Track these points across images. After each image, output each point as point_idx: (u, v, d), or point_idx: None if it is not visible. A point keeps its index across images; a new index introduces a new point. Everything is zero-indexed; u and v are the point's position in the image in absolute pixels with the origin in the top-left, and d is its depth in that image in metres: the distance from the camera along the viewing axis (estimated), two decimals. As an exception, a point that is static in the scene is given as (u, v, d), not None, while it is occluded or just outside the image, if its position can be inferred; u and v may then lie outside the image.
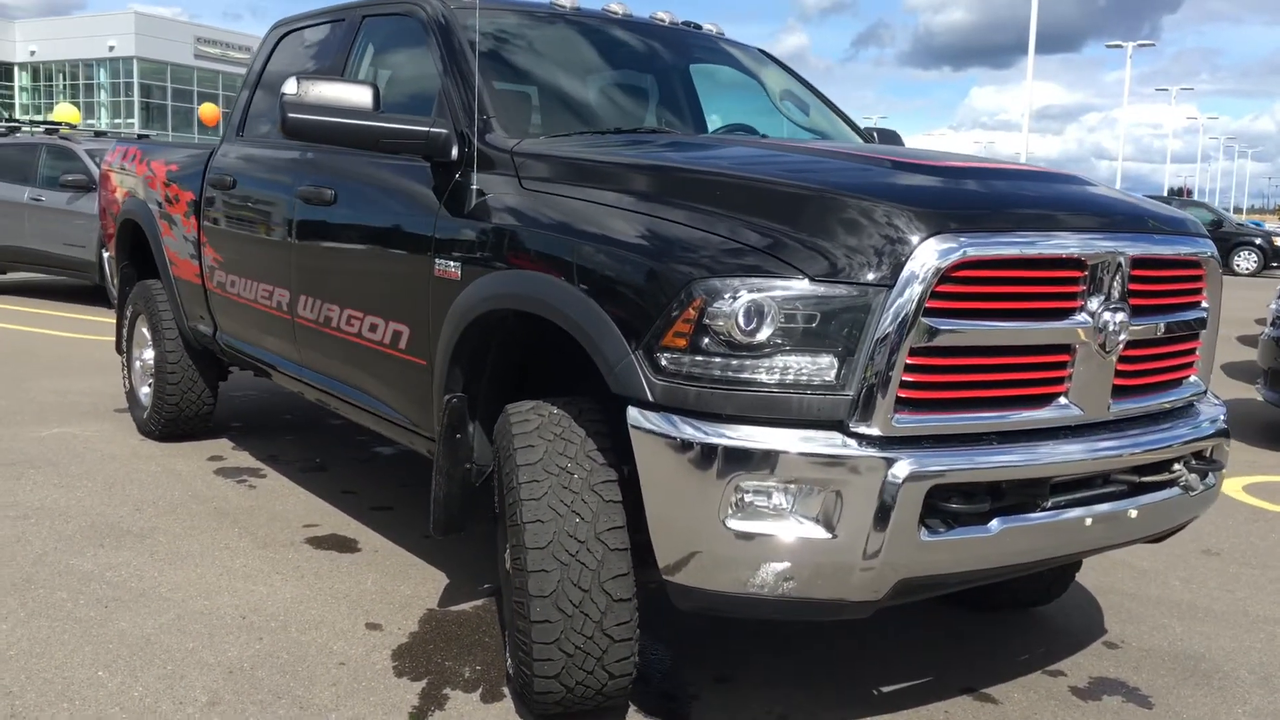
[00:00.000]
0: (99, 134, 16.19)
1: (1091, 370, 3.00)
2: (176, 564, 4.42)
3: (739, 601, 2.85)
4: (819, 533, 2.71)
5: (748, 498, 2.73)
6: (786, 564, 2.75)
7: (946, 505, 2.78)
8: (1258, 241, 32.75)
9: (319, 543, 4.75)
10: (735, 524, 2.73)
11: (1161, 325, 3.21)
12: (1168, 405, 3.32)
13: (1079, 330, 2.94)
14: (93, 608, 3.96)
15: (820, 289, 2.71)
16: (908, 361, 2.73)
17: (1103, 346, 2.99)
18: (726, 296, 2.71)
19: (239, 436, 6.61)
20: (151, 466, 5.86)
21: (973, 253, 2.75)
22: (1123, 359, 3.09)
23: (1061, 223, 2.96)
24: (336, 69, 4.72)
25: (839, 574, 2.75)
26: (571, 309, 3.04)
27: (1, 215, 13.00)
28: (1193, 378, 3.46)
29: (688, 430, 2.74)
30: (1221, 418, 3.46)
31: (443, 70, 4.04)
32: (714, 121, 5.08)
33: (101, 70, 64.28)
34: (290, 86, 3.68)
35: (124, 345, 6.72)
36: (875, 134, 5.25)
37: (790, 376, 2.72)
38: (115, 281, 6.93)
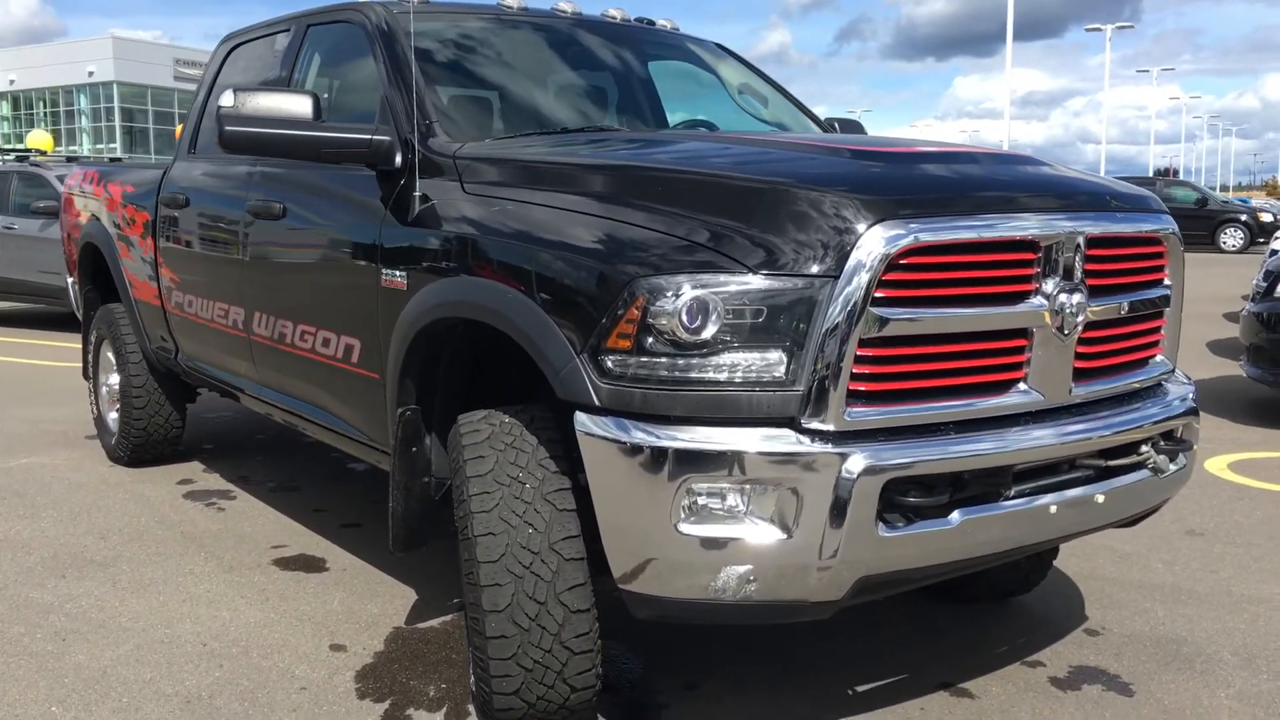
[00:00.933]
0: (70, 159, 16.06)
1: (1050, 354, 2.93)
2: (138, 593, 4.33)
3: (697, 608, 2.77)
4: (774, 534, 2.63)
5: (699, 501, 2.65)
6: (742, 567, 2.67)
7: (905, 499, 2.70)
8: (1243, 218, 32.72)
9: (286, 564, 4.66)
10: (688, 528, 2.64)
11: (1124, 305, 3.14)
12: (1135, 386, 3.25)
13: (1035, 314, 2.87)
14: (50, 641, 3.86)
15: (765, 283, 2.63)
16: (858, 353, 2.65)
17: (1060, 329, 2.91)
18: (669, 295, 2.63)
19: (210, 458, 6.51)
20: (119, 493, 5.77)
21: (922, 238, 2.67)
22: (1083, 341, 3.01)
23: (1013, 204, 2.88)
24: (284, 80, 4.64)
25: (797, 575, 2.67)
26: (515, 314, 2.95)
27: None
28: (1159, 357, 3.39)
29: (636, 434, 2.66)
30: (1190, 396, 3.39)
31: (385, 77, 3.95)
32: (676, 117, 4.99)
33: (82, 96, 64.19)
34: (227, 98, 3.59)
35: (90, 371, 6.63)
36: (836, 124, 5.18)
37: (739, 374, 2.64)
38: (79, 306, 6.84)
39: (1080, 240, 2.94)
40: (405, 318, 3.40)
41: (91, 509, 5.47)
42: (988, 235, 2.77)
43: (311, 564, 4.66)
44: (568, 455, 2.97)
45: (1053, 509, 2.90)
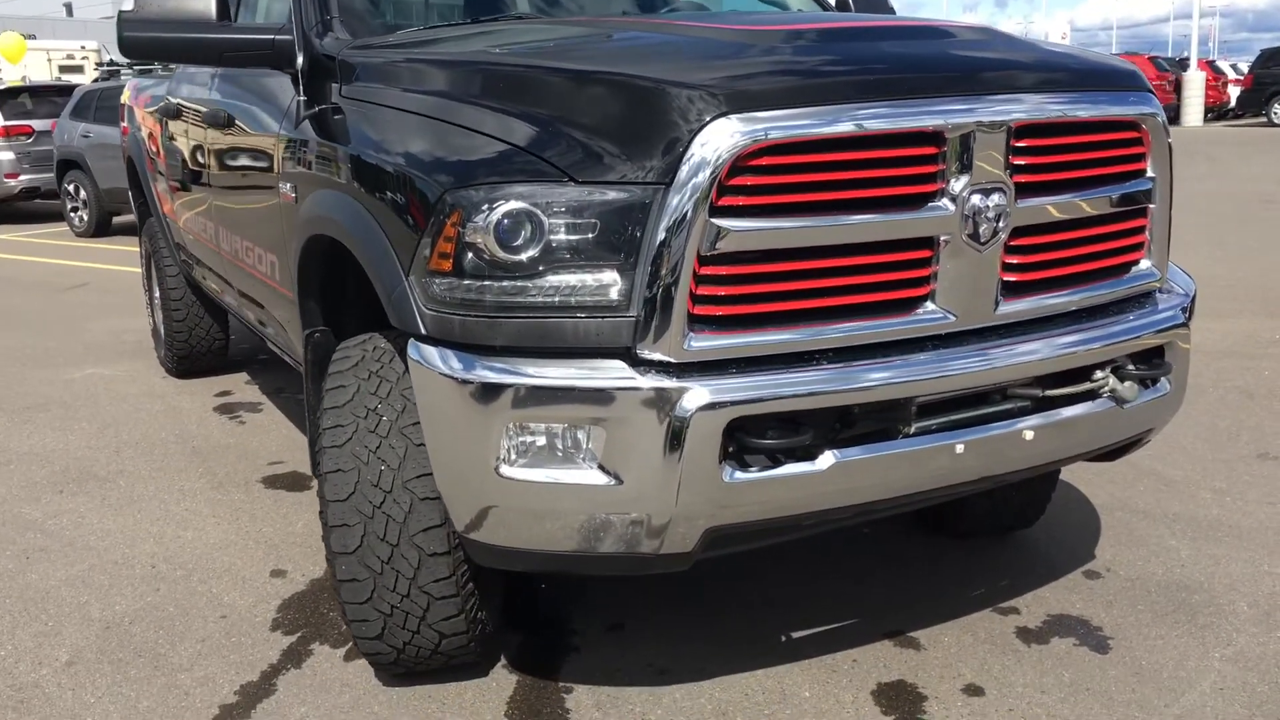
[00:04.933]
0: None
1: (964, 267, 2.48)
2: (120, 510, 4.34)
3: (537, 558, 2.51)
4: (603, 479, 2.32)
5: (524, 441, 2.36)
6: (573, 516, 2.38)
7: (762, 440, 2.34)
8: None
9: (273, 481, 4.60)
10: (511, 471, 2.36)
11: (1080, 204, 2.64)
12: (1103, 299, 2.76)
13: (939, 220, 2.42)
14: (14, 559, 3.90)
15: (590, 192, 2.28)
16: (702, 272, 2.28)
17: (974, 237, 2.46)
18: (484, 208, 2.31)
19: (259, 370, 6.53)
20: (155, 405, 5.84)
21: (774, 134, 2.26)
22: (1013, 249, 2.55)
23: (912, 88, 2.42)
24: None
25: (633, 525, 2.36)
26: (355, 230, 2.70)
27: (106, 158, 13.35)
28: (1143, 263, 2.86)
29: (454, 365, 2.38)
30: (1180, 308, 2.87)
31: None
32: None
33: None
34: (129, 1, 3.40)
35: (146, 283, 6.72)
36: (851, 2, 4.62)
37: (564, 298, 2.32)
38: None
39: (1006, 129, 2.46)
40: (294, 234, 3.18)
41: (121, 422, 5.55)
42: (869, 128, 2.33)
43: (297, 482, 4.58)
44: None
45: (959, 448, 2.48)
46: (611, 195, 2.27)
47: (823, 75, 2.40)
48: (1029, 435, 2.56)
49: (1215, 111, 33.63)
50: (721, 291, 2.31)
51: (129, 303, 9.10)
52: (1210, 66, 36.86)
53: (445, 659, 2.88)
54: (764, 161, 2.27)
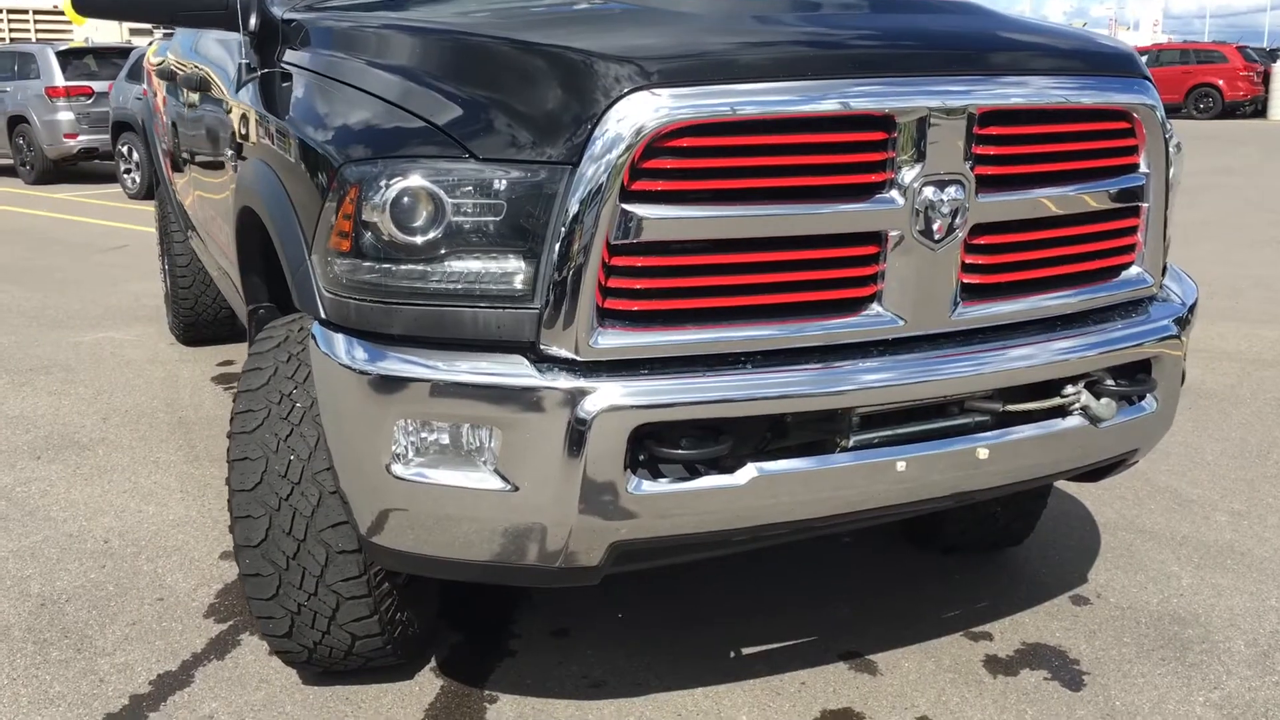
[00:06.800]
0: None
1: (915, 266, 2.25)
2: (91, 480, 4.25)
3: (442, 565, 2.33)
4: (497, 484, 2.14)
5: (420, 440, 2.18)
6: (469, 523, 2.20)
7: (673, 450, 2.14)
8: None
9: (249, 457, 4.48)
10: (404, 472, 2.19)
11: (1058, 200, 2.39)
12: (1080, 306, 2.50)
13: (885, 214, 2.19)
14: (-29, 528, 3.83)
15: (494, 171, 2.09)
16: (614, 263, 2.08)
17: (926, 234, 2.22)
18: (381, 185, 2.13)
19: (268, 339, 6.44)
20: (156, 372, 5.77)
21: (693, 113, 2.04)
22: (975, 249, 2.30)
23: (856, 65, 2.18)
24: None
25: (531, 536, 2.18)
26: (270, 204, 2.53)
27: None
28: (1134, 269, 2.60)
29: (347, 352, 2.21)
30: (1175, 317, 2.60)
31: None
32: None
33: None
34: (87, -42, 3.25)
35: (160, 248, 6.65)
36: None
37: (466, 286, 2.13)
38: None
39: (967, 115, 2.21)
40: (233, 204, 3.03)
41: (118, 387, 5.48)
42: (802, 110, 2.10)
43: (273, 459, 4.46)
44: None
45: (900, 466, 2.25)
46: (516, 175, 2.08)
47: (753, 49, 2.17)
48: (983, 454, 2.32)
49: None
50: (635, 284, 2.11)
51: (157, 267, 9.09)
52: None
53: (363, 660, 2.72)
54: (683, 143, 2.05)
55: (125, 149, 13.96)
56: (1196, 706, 2.71)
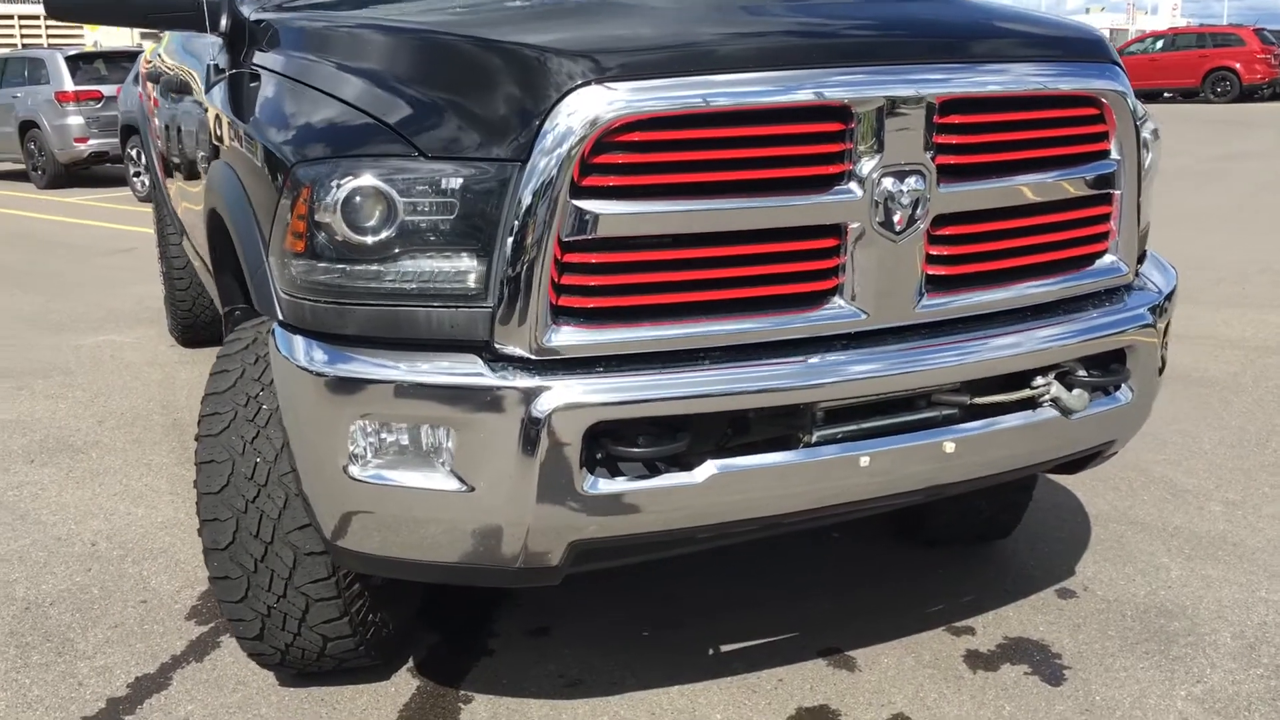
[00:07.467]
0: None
1: (877, 259, 2.22)
2: (83, 483, 4.26)
3: (405, 567, 2.33)
4: (453, 485, 2.12)
5: (378, 441, 2.17)
6: (427, 525, 2.20)
7: (630, 448, 2.12)
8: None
9: (241, 458, 4.48)
10: (360, 473, 2.17)
11: (1024, 189, 2.35)
12: (1049, 296, 2.47)
13: (844, 205, 2.16)
14: (-41, 532, 3.85)
15: (444, 168, 2.07)
16: (565, 260, 2.06)
17: (886, 225, 2.19)
18: (332, 185, 2.11)
19: (267, 340, 6.45)
20: (154, 374, 5.78)
21: (644, 107, 2.02)
22: (939, 240, 2.27)
23: (806, 55, 2.15)
24: None
25: (488, 536, 2.16)
26: (231, 205, 2.53)
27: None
28: (1108, 258, 2.56)
29: (302, 354, 2.20)
30: (1150, 306, 2.56)
31: None
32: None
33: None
34: (58, -40, 3.24)
35: (159, 250, 6.66)
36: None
37: (420, 285, 2.12)
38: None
39: (926, 104, 2.18)
40: (204, 206, 3.02)
41: (115, 391, 5.49)
42: (756, 102, 2.08)
43: (264, 460, 4.46)
44: None
45: (863, 461, 2.23)
46: (468, 172, 2.06)
47: (704, 41, 2.15)
48: (950, 448, 2.29)
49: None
50: (589, 281, 2.09)
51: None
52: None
53: (336, 662, 2.72)
54: (635, 137, 2.03)
55: (134, 152, 13.96)
56: (1178, 701, 2.67)
